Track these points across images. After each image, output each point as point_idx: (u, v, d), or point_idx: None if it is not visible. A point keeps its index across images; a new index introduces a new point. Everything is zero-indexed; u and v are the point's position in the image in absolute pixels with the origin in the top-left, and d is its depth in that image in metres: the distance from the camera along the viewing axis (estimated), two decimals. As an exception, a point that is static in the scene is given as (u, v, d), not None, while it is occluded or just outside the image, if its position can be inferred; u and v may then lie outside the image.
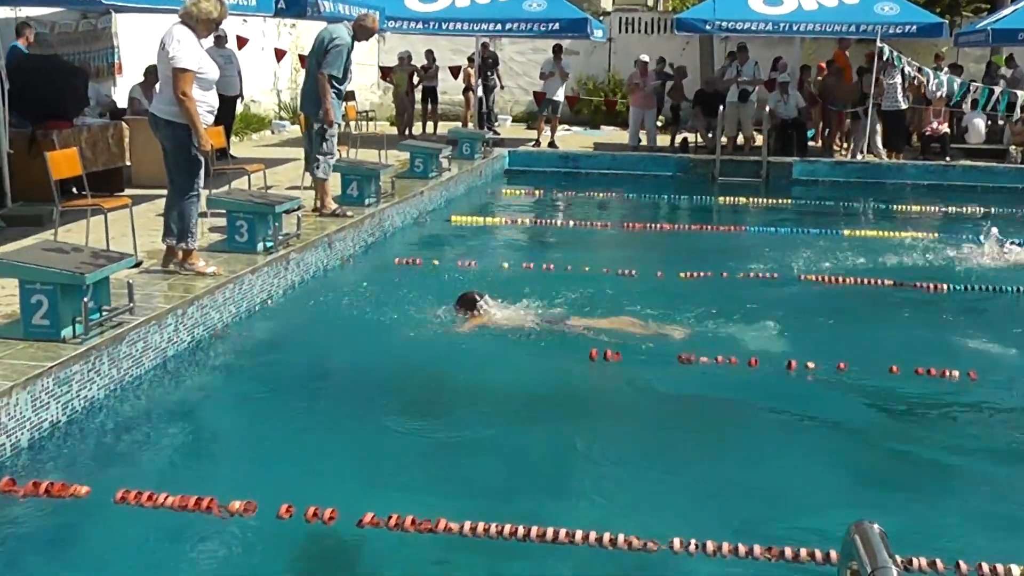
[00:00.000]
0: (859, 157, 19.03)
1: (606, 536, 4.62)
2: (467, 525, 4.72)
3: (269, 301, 8.66)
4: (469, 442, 6.07)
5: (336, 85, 10.66)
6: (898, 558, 3.98)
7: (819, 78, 20.96)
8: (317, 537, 4.77)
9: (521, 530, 4.70)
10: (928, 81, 18.32)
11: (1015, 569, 4.51)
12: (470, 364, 7.43)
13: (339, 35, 10.59)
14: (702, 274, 10.20)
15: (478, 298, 8.25)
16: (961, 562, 4.52)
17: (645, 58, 20.27)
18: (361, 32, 10.86)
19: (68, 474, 5.25)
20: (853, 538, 2.66)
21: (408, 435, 6.18)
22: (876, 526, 2.70)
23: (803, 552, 4.59)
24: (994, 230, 11.59)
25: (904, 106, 19.13)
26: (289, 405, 6.63)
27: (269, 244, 9.03)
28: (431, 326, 8.13)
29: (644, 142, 20.09)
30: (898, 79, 18.52)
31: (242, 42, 16.24)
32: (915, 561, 4.51)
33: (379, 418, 6.38)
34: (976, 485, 5.71)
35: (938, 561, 4.53)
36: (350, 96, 20.20)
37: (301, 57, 15.67)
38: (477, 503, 5.08)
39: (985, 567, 4.51)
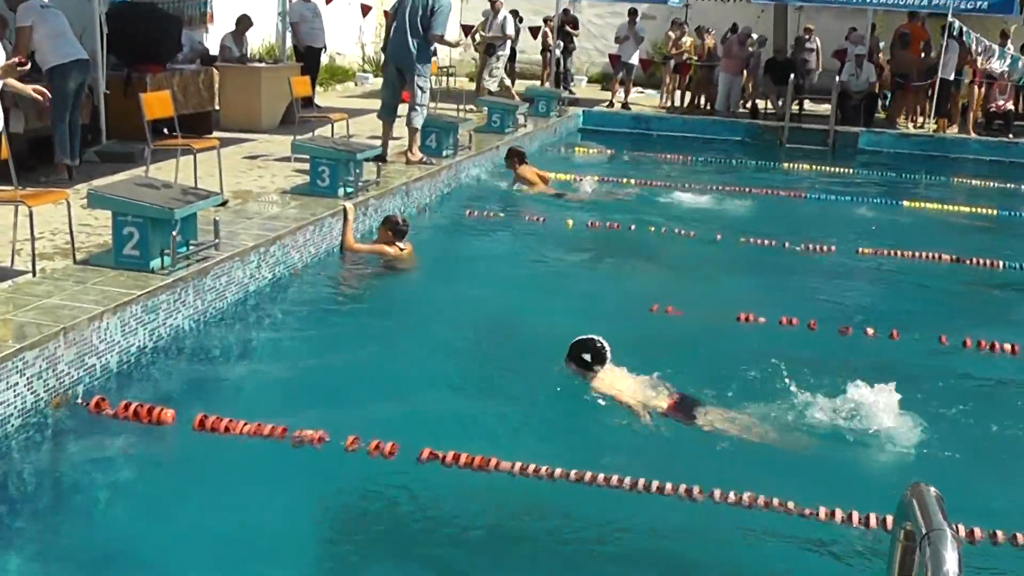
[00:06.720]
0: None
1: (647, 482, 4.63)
2: (517, 465, 4.76)
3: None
4: (532, 389, 5.97)
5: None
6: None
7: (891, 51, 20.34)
8: (379, 469, 4.78)
9: (573, 473, 4.70)
10: (993, 57, 17.80)
11: None
12: (536, 316, 7.34)
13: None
14: (764, 241, 10.00)
15: None
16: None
17: (747, 28, 19.97)
18: None
19: (153, 397, 5.34)
20: (909, 500, 2.52)
21: (475, 378, 6.18)
22: (932, 489, 2.55)
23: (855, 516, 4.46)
24: None
25: (952, 77, 18.42)
26: (362, 342, 6.65)
27: (349, 190, 9.05)
28: (500, 277, 8.16)
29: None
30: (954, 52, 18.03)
31: (329, -2, 16.29)
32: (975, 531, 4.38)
33: (446, 360, 6.38)
34: None
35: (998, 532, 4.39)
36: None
37: (386, 13, 15.63)
38: (532, 447, 5.09)
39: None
